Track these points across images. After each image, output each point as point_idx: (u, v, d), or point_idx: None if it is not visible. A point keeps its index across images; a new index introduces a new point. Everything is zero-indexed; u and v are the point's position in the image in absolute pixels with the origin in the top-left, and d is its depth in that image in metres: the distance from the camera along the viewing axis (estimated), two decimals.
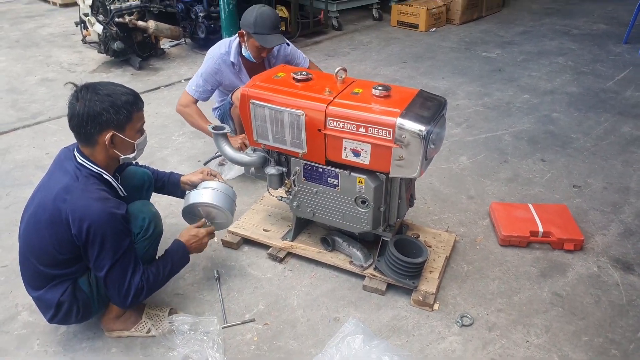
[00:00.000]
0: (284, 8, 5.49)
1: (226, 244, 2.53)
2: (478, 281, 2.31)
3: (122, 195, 1.89)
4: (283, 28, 5.40)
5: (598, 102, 4.14)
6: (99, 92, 1.73)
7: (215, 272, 2.34)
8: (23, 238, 1.84)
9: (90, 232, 1.67)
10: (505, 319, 2.10)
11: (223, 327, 2.05)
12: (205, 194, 2.15)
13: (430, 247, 2.40)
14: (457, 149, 3.44)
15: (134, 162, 2.04)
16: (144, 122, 1.89)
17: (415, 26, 5.97)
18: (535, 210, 2.66)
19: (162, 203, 2.67)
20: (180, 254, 2.02)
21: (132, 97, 1.82)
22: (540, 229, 2.52)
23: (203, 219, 2.17)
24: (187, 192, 2.23)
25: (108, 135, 1.76)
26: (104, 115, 1.72)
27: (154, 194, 2.29)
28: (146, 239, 1.91)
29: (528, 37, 5.82)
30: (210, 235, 2.13)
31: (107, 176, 1.83)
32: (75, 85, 1.78)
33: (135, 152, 1.88)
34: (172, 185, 2.30)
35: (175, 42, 5.43)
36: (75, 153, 1.81)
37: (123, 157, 1.86)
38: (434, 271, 2.26)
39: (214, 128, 2.30)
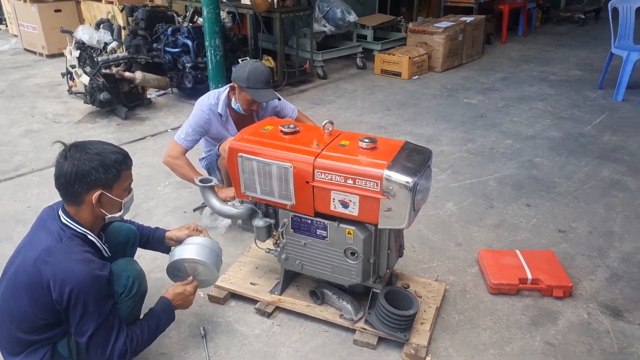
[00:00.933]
0: (270, 58, 5.62)
1: (213, 299, 2.47)
2: (470, 331, 2.28)
3: (106, 255, 1.86)
4: None
5: (578, 146, 4.24)
6: (88, 151, 1.73)
7: (201, 329, 2.28)
8: (0, 302, 1.78)
9: (72, 296, 1.63)
10: None
11: None
12: (190, 250, 2.12)
13: (420, 297, 2.37)
14: (443, 195, 3.47)
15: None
16: (132, 181, 1.88)
17: (399, 74, 6.13)
18: (523, 257, 2.66)
19: (147, 257, 2.62)
20: (165, 313, 1.97)
21: (122, 156, 1.81)
22: (529, 276, 2.52)
23: (190, 277, 2.13)
24: (172, 248, 2.19)
25: (95, 195, 1.74)
26: (92, 175, 1.71)
27: (138, 248, 2.26)
28: (130, 299, 1.87)
29: (508, 83, 6.01)
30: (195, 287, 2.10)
31: (91, 237, 1.80)
32: (64, 144, 1.77)
33: (122, 210, 1.87)
34: (157, 241, 2.27)
35: (162, 91, 5.49)
36: (60, 213, 1.79)
37: (109, 216, 1.84)
38: (425, 323, 2.23)
39: (201, 181, 2.30)
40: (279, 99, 3.02)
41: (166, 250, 2.26)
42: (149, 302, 2.02)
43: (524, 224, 3.13)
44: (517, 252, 2.72)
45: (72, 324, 1.69)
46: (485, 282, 2.58)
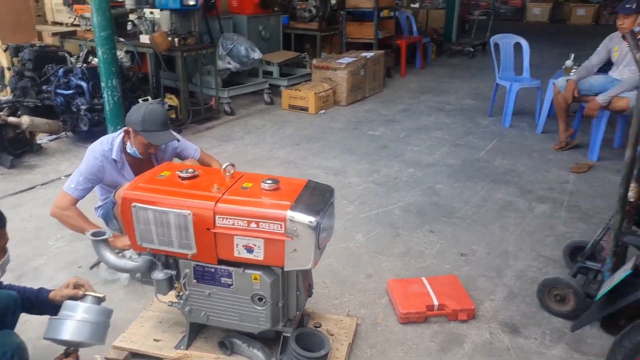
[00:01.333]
0: (173, 96, 5.49)
1: None
2: None
3: None
4: (173, 116, 5.38)
5: (474, 171, 4.53)
6: None
7: None
8: None
9: None
10: None
11: None
12: (63, 329, 1.92)
13: (332, 335, 2.36)
14: (352, 226, 3.53)
15: None
16: (7, 240, 1.72)
17: (306, 109, 6.26)
18: (429, 284, 2.76)
19: (34, 323, 2.36)
20: None
21: None
22: (436, 302, 2.61)
23: (71, 348, 1.96)
24: (49, 318, 1.98)
25: None
26: None
27: (24, 314, 2.05)
28: None
29: (408, 114, 6.33)
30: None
31: None
32: None
33: None
34: (41, 304, 2.07)
35: (55, 136, 5.14)
36: None
37: None
38: None
39: (93, 234, 2.15)
40: (178, 140, 2.94)
41: (54, 311, 2.06)
42: None
43: (428, 250, 3.26)
44: (423, 279, 2.82)
45: None
46: (395, 312, 2.63)
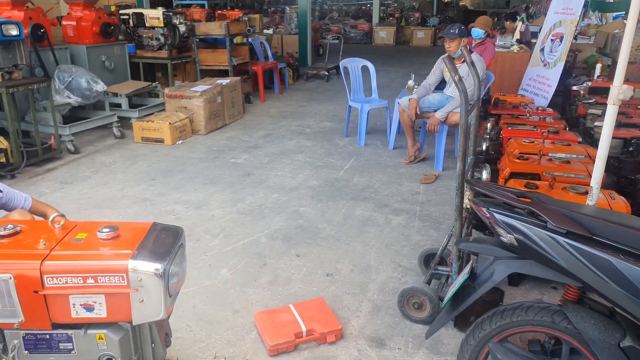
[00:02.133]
0: (2, 138, 4.87)
1: None
2: None
3: None
4: (3, 160, 4.76)
5: (335, 191, 4.68)
6: None
7: None
8: None
9: None
10: None
11: None
12: None
13: None
14: (217, 262, 3.41)
15: None
16: None
17: (161, 140, 5.98)
18: (297, 310, 2.75)
19: None
20: None
21: None
22: (304, 329, 2.60)
23: None
24: None
25: None
26: None
27: None
28: None
29: (270, 139, 6.38)
30: None
31: None
32: None
33: None
34: None
35: None
36: None
37: None
38: None
39: None
40: (1, 190, 2.58)
41: None
42: None
43: (295, 275, 3.26)
44: (291, 306, 2.80)
45: None
46: (265, 345, 2.57)
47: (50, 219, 1.86)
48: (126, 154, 5.72)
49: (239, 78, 7.49)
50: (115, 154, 5.72)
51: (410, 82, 5.86)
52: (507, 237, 1.86)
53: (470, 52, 4.76)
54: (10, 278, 1.67)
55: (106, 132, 6.38)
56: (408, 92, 5.67)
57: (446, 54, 3.55)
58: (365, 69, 6.36)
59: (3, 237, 1.80)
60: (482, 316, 2.00)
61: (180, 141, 6.14)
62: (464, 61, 4.62)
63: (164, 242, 1.90)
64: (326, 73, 10.60)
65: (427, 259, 3.20)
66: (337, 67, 11.01)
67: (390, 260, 3.45)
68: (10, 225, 1.84)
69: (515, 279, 3.06)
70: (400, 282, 3.17)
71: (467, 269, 2.11)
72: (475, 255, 2.25)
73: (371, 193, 4.62)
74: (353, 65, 6.41)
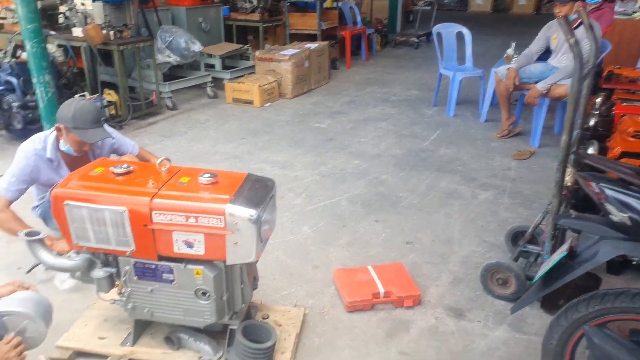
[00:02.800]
0: (112, 92, 5.28)
1: None
2: (330, 353, 2.32)
3: None
4: (113, 112, 5.17)
5: (419, 161, 4.62)
6: None
7: None
8: None
9: None
10: None
11: None
12: (10, 303, 1.86)
13: (280, 325, 2.36)
14: (299, 219, 3.53)
15: None
16: None
17: (250, 102, 6.18)
18: (375, 272, 2.80)
19: None
20: None
21: None
22: (381, 290, 2.65)
23: (12, 334, 1.85)
24: None
25: None
26: None
27: None
28: None
29: (354, 105, 6.38)
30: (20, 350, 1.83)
31: None
32: None
33: None
34: None
35: None
36: None
37: None
38: (286, 351, 2.21)
39: (27, 234, 2.05)
40: (113, 138, 2.83)
41: None
42: None
43: (374, 240, 3.30)
44: (369, 267, 2.86)
45: None
46: (342, 301, 2.65)
47: (158, 162, 2.02)
48: (218, 113, 5.99)
49: (326, 43, 7.49)
50: (209, 112, 6.01)
51: (510, 51, 5.50)
52: (618, 216, 1.73)
53: None
54: (125, 211, 1.86)
55: (200, 91, 6.70)
56: (506, 61, 5.33)
57: (562, 16, 3.28)
58: (459, 37, 6.09)
59: (118, 174, 1.99)
60: (577, 298, 1.89)
61: (268, 104, 6.31)
62: (577, 26, 4.30)
63: (258, 191, 2.01)
64: (416, 40, 10.29)
65: (515, 236, 3.09)
66: (428, 35, 10.72)
67: (474, 234, 3.38)
68: (124, 165, 2.03)
69: (615, 267, 2.83)
70: (484, 257, 3.11)
71: (565, 247, 2.02)
72: (577, 233, 2.12)
73: (458, 166, 4.51)
74: (447, 30, 6.15)
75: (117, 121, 5.15)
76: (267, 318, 2.40)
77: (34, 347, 2.01)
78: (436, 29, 6.14)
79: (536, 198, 3.87)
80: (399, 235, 3.37)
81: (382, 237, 3.33)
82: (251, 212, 1.86)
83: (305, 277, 2.89)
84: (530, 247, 2.79)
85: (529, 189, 4.04)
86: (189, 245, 1.90)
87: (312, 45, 7.02)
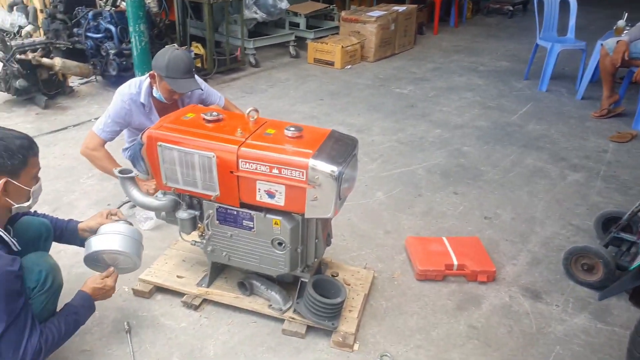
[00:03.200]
0: (199, 45, 5.43)
1: (137, 293, 2.37)
2: (397, 318, 2.31)
3: (15, 250, 1.73)
4: (199, 64, 5.33)
5: (504, 135, 4.40)
6: None
7: (125, 324, 2.18)
8: None
9: None
10: (424, 355, 2.11)
11: None
12: (106, 241, 1.99)
13: (349, 285, 2.37)
14: (373, 184, 3.50)
15: (31, 211, 1.90)
16: (40, 169, 1.76)
17: (332, 63, 6.13)
18: (450, 244, 2.73)
19: (68, 252, 2.48)
20: (84, 308, 1.89)
21: (27, 141, 1.70)
22: (455, 262, 2.58)
23: (110, 268, 2.01)
24: (87, 239, 2.05)
25: (0, 183, 1.62)
26: None
27: (57, 244, 2.12)
28: (43, 294, 1.77)
29: (439, 73, 6.15)
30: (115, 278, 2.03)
31: None
32: None
33: (31, 200, 1.75)
34: (70, 233, 2.12)
35: (85, 79, 5.17)
36: None
37: (17, 206, 1.72)
38: (353, 310, 2.23)
39: (121, 172, 2.17)
40: (202, 89, 2.91)
41: (80, 242, 2.10)
42: (69, 298, 1.90)
43: (451, 212, 3.21)
44: (444, 238, 2.79)
45: None
46: (413, 269, 2.62)
47: (247, 111, 2.05)
48: (299, 72, 6.00)
49: (415, 6, 7.21)
50: (290, 71, 6.03)
51: (621, 22, 4.95)
52: None
53: None
54: (214, 156, 1.92)
55: (283, 50, 6.73)
56: (615, 34, 4.84)
57: None
58: (563, 5, 5.60)
59: (209, 121, 2.05)
60: None
61: (349, 66, 6.23)
62: None
63: (340, 148, 2.00)
64: (510, 8, 9.68)
65: (607, 222, 2.87)
66: (524, 3, 10.06)
67: (559, 216, 3.19)
68: (214, 113, 2.08)
69: None
70: (569, 240, 2.93)
71: None
72: None
73: (547, 143, 4.25)
74: None
75: (203, 75, 5.29)
76: (337, 276, 2.43)
77: (129, 272, 2.16)
78: None
79: (635, 184, 3.58)
80: (477, 209, 3.25)
81: (460, 210, 3.23)
82: (333, 168, 1.85)
83: (376, 241, 2.88)
84: (625, 235, 2.60)
85: (627, 174, 3.73)
86: (271, 195, 1.94)
87: (400, 8, 6.79)
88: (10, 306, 1.59)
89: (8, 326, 1.59)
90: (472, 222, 3.11)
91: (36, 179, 1.76)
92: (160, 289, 2.39)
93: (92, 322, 2.16)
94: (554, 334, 2.26)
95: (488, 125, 4.60)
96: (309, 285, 2.12)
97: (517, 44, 7.57)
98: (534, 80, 5.74)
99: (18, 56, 4.33)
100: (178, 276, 2.40)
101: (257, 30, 6.62)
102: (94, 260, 2.03)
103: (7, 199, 1.67)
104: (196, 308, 2.28)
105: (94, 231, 2.07)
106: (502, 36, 8.18)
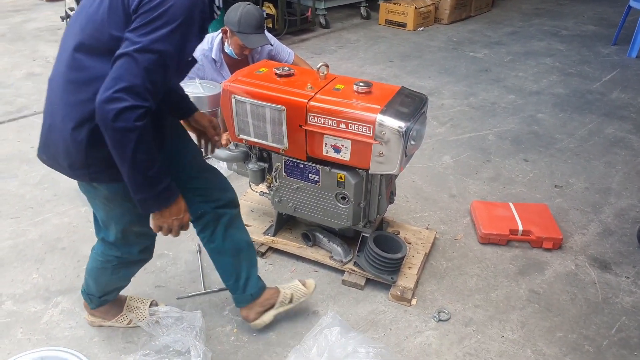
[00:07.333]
0: (271, 5, 5.47)
1: None
2: (456, 278, 2.33)
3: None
4: (270, 25, 5.39)
5: (584, 103, 4.17)
6: None
7: (197, 245, 2.39)
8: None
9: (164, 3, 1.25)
10: (482, 314, 2.13)
11: (201, 294, 2.20)
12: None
13: (409, 243, 2.41)
14: (440, 148, 3.46)
15: None
16: None
17: (403, 25, 5.98)
18: (516, 209, 2.68)
19: None
20: (163, 190, 1.41)
21: None
22: (520, 228, 2.54)
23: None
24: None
25: None
26: None
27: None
28: None
29: (516, 37, 5.86)
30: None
31: None
32: None
33: None
34: (185, 111, 1.83)
35: None
36: None
37: None
38: (413, 267, 2.27)
39: None
40: (272, 45, 2.97)
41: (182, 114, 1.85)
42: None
43: (520, 178, 3.13)
44: (510, 204, 2.74)
45: (133, 26, 1.27)
46: (476, 232, 2.61)
47: (318, 66, 2.09)
48: (369, 34, 5.92)
49: None
50: (360, 32, 5.96)
51: None
52: None
53: None
54: (284, 110, 1.98)
55: (354, 11, 6.64)
56: None
57: None
58: None
59: (280, 76, 2.11)
60: None
61: (422, 28, 6.06)
62: None
63: (409, 105, 2.00)
64: None
65: None
66: None
67: (637, 188, 3.03)
68: (286, 68, 2.14)
69: None
70: None
71: None
72: None
73: (631, 113, 3.98)
74: None
75: (273, 34, 5.35)
76: (398, 234, 2.47)
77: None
78: None
79: None
80: (547, 177, 3.15)
81: (529, 177, 3.14)
82: (400, 124, 1.86)
83: (440, 204, 2.87)
84: None
85: None
86: (337, 150, 1.99)
87: None
88: (181, 39, 1.28)
89: (157, 50, 1.25)
90: (541, 189, 3.02)
91: None
92: None
93: (167, 262, 2.35)
94: (620, 305, 2.20)
95: (567, 93, 4.37)
96: (370, 240, 2.17)
97: (607, 7, 7.02)
98: (623, 45, 5.33)
99: None
100: (246, 225, 2.52)
101: None
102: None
103: None
104: (262, 255, 2.41)
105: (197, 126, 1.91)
106: None
